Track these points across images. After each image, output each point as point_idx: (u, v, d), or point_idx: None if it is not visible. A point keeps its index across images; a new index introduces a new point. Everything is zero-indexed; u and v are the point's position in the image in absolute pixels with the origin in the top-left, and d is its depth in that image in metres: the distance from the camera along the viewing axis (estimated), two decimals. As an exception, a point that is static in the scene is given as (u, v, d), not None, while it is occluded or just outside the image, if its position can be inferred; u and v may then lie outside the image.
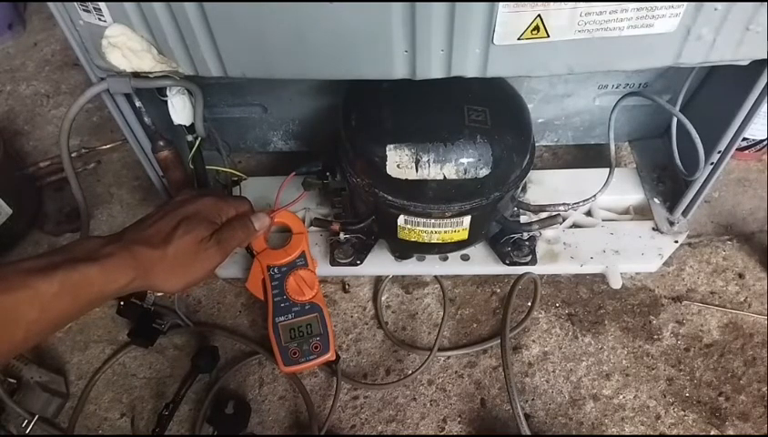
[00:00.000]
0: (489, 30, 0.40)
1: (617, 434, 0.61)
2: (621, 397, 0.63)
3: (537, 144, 0.61)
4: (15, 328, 0.39)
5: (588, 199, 0.62)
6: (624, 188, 0.72)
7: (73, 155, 0.81)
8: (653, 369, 0.65)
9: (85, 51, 0.47)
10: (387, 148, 0.51)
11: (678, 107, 0.59)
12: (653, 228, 0.69)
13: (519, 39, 0.41)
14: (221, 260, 0.52)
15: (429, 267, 0.69)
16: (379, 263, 0.68)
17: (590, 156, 0.81)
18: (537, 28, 0.40)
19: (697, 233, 0.75)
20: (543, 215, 0.65)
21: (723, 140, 0.55)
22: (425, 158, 0.50)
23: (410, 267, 0.69)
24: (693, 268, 0.72)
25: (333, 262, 0.67)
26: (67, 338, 0.70)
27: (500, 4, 0.39)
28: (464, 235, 0.58)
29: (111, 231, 0.71)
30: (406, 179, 0.52)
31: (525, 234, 0.65)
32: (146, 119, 0.55)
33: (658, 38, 0.41)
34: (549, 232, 0.68)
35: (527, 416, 0.62)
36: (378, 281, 0.72)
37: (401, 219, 0.57)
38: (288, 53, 0.43)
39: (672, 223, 0.68)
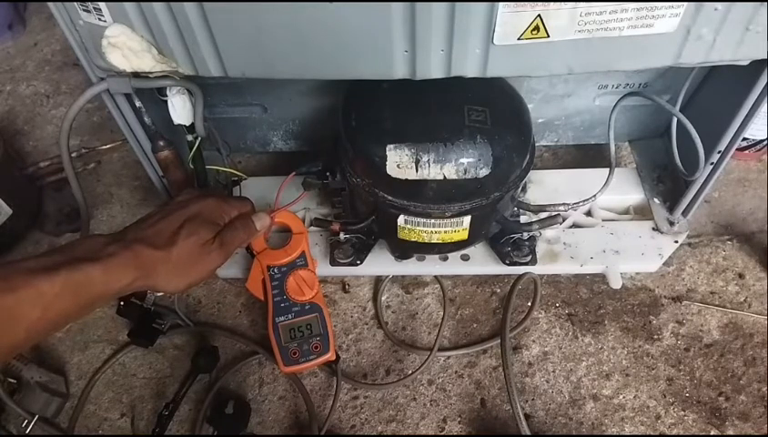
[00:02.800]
0: (489, 30, 0.41)
1: (617, 434, 0.61)
2: (621, 397, 0.63)
3: (537, 144, 0.61)
4: (17, 327, 0.39)
5: (588, 199, 0.62)
6: (624, 188, 0.72)
7: (73, 155, 0.82)
8: (653, 369, 0.65)
9: (85, 51, 0.47)
10: (387, 148, 0.51)
11: (678, 107, 0.59)
12: (653, 228, 0.69)
13: (519, 39, 0.41)
14: (223, 261, 0.52)
15: (429, 267, 0.69)
16: (379, 263, 0.68)
17: (590, 156, 0.81)
18: (537, 28, 0.40)
19: (697, 233, 0.75)
20: (543, 215, 0.65)
21: (723, 140, 0.56)
22: (425, 158, 0.50)
23: (410, 267, 0.69)
24: (693, 268, 0.72)
25: (333, 262, 0.67)
26: (67, 338, 0.70)
27: (500, 4, 0.39)
28: (464, 235, 0.58)
29: (111, 232, 0.70)
30: (406, 179, 0.52)
31: (525, 234, 0.65)
32: (146, 119, 0.55)
33: (658, 38, 0.41)
34: (549, 232, 0.68)
35: (527, 416, 0.62)
36: (378, 281, 0.72)
37: (401, 219, 0.57)
38: (288, 53, 0.43)
39: (672, 223, 0.68)
